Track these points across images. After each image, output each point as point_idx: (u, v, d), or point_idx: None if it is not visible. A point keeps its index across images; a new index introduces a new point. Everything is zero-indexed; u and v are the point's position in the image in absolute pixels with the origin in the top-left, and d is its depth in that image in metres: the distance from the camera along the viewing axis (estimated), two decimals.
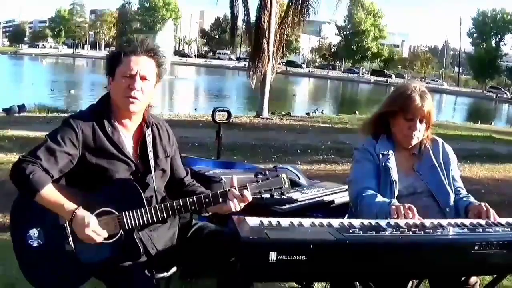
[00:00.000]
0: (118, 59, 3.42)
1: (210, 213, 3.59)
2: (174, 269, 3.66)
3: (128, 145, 3.49)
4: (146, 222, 3.26)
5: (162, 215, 3.26)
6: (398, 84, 4.36)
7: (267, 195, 3.49)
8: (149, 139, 3.55)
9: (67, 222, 3.16)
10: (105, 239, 3.16)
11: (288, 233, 2.89)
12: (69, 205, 3.12)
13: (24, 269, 3.28)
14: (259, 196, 3.45)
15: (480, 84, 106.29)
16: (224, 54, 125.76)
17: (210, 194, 3.40)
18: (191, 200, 3.33)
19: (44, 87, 42.49)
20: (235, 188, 3.38)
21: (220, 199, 3.37)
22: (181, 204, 3.31)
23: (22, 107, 22.35)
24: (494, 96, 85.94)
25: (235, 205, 3.36)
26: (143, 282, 3.26)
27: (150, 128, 3.59)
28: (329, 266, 2.76)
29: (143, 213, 3.23)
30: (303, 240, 2.75)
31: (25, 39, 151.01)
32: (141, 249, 3.27)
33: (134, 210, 3.21)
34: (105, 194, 3.27)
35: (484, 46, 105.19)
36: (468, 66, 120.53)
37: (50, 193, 3.13)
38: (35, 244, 3.22)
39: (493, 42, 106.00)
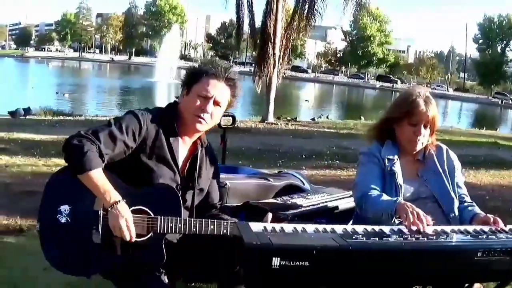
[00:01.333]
0: (198, 77, 3.51)
1: None
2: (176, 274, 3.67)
3: (181, 158, 3.56)
4: (178, 232, 3.29)
5: (194, 230, 3.26)
6: (403, 90, 4.37)
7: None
8: (199, 157, 3.63)
9: (101, 210, 3.18)
10: (137, 237, 3.19)
11: (291, 239, 2.89)
12: (114, 194, 3.15)
13: (43, 242, 3.27)
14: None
15: (486, 90, 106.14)
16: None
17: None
18: (225, 224, 3.29)
19: (47, 90, 42.41)
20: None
21: None
22: (215, 225, 3.29)
23: (27, 110, 22.40)
24: (500, 102, 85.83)
25: None
26: (153, 282, 3.29)
27: (203, 148, 3.67)
28: (332, 272, 2.76)
29: (178, 222, 3.23)
30: (306, 246, 2.74)
31: (31, 42, 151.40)
32: (165, 256, 3.26)
33: (170, 217, 3.22)
34: (146, 193, 3.30)
35: (490, 51, 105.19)
36: (474, 71, 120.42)
37: (99, 176, 3.15)
38: (62, 220, 3.22)
39: (499, 48, 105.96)
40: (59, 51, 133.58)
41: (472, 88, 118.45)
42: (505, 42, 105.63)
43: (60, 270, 3.32)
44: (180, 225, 3.23)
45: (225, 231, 3.27)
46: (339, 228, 3.08)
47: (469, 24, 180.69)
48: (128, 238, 3.14)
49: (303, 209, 4.47)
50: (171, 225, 3.22)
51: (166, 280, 3.46)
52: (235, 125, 6.05)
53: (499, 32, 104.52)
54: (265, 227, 3.00)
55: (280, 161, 13.08)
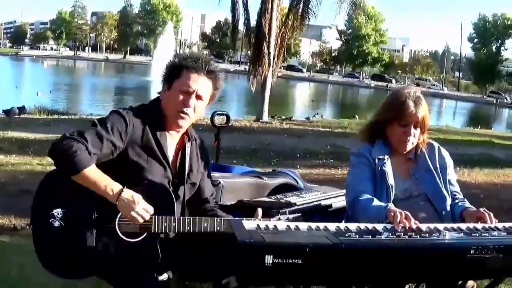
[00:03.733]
0: (179, 72, 3.49)
1: None
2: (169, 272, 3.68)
3: (170, 153, 3.55)
4: (173, 231, 3.28)
5: (188, 228, 3.27)
6: (393, 89, 4.39)
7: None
8: (188, 151, 3.62)
9: (94, 213, 3.19)
10: (127, 237, 3.20)
11: (284, 237, 2.88)
12: (115, 185, 3.16)
13: (37, 246, 3.28)
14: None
15: (481, 89, 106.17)
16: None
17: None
18: (218, 220, 3.32)
19: (31, 89, 42.03)
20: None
21: None
22: (208, 222, 3.31)
23: (22, 109, 22.30)
24: (495, 101, 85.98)
25: None
26: (146, 281, 3.29)
27: (190, 142, 3.65)
28: (325, 270, 2.76)
29: (172, 221, 3.24)
30: (300, 243, 2.74)
31: (26, 40, 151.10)
32: (160, 255, 3.27)
33: (164, 217, 3.23)
34: (139, 193, 3.27)
35: (485, 51, 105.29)
36: (469, 71, 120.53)
37: (95, 172, 3.15)
38: (56, 224, 3.23)
39: (493, 47, 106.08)
40: (54, 50, 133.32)
41: (467, 87, 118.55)
42: (500, 41, 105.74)
43: (55, 274, 3.33)
44: (174, 224, 3.24)
45: (218, 228, 3.28)
46: (332, 226, 3.09)
47: (464, 23, 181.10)
48: (147, 218, 3.17)
49: (297, 207, 4.47)
50: (165, 224, 3.22)
51: (161, 278, 3.47)
52: (229, 124, 6.05)
53: (494, 31, 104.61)
54: (258, 225, 3.00)
55: (275, 160, 13.10)
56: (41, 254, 3.28)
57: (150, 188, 3.34)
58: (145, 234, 3.22)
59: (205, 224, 3.28)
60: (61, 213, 3.22)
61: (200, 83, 3.48)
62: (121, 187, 3.16)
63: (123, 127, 3.31)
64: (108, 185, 3.14)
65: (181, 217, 3.30)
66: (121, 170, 3.32)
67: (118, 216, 3.21)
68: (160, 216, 3.22)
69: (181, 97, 3.45)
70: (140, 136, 3.38)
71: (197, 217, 3.31)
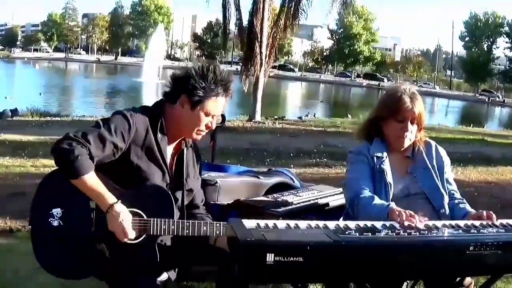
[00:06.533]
0: (210, 94, 3.45)
1: None
2: (171, 272, 3.68)
3: (168, 157, 3.55)
4: (171, 234, 3.27)
5: (187, 232, 3.24)
6: (388, 87, 4.40)
7: None
8: (186, 157, 3.62)
9: (93, 213, 3.20)
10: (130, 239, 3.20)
11: (285, 235, 2.91)
12: (110, 197, 3.15)
13: (35, 246, 3.28)
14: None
15: (473, 87, 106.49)
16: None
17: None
18: (217, 224, 3.28)
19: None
20: None
21: None
22: (208, 227, 3.27)
23: (14, 111, 22.32)
24: (487, 99, 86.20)
25: None
26: (144, 282, 3.29)
27: (188, 147, 3.66)
28: (326, 267, 2.78)
29: (171, 224, 3.23)
30: (300, 241, 2.76)
31: (18, 43, 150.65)
32: (158, 257, 3.28)
33: (163, 219, 3.22)
34: (138, 195, 3.29)
35: (476, 49, 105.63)
36: (461, 69, 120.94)
37: (93, 180, 3.14)
38: (55, 223, 3.23)
39: (485, 45, 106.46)
40: (46, 51, 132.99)
41: (459, 86, 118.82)
42: (491, 39, 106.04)
43: (53, 274, 3.33)
44: (173, 227, 3.22)
45: (218, 232, 3.25)
46: (331, 224, 3.10)
47: (456, 22, 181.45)
48: (126, 240, 3.15)
49: (294, 206, 4.47)
50: (164, 227, 3.21)
51: (160, 279, 3.48)
52: (224, 124, 6.05)
53: (485, 29, 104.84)
54: (258, 224, 3.01)
55: (268, 159, 13.10)
56: (39, 254, 3.27)
57: (150, 189, 3.36)
58: (144, 235, 3.22)
59: (204, 228, 3.26)
60: (60, 213, 3.23)
61: (223, 105, 3.53)
62: (115, 200, 3.15)
63: (126, 129, 3.29)
64: (104, 194, 3.15)
65: (180, 220, 3.28)
66: (122, 170, 3.33)
67: None
68: (158, 219, 3.22)
69: (206, 119, 3.47)
70: (142, 138, 3.38)
71: (196, 221, 3.30)
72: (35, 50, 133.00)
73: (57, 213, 3.23)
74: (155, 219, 3.21)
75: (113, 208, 3.12)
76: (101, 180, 3.19)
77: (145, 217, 3.22)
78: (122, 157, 3.33)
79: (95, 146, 3.16)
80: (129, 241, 3.17)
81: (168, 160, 3.54)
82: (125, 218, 3.12)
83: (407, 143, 3.90)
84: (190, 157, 3.71)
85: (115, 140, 3.24)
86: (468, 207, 3.84)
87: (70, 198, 3.20)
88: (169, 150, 3.57)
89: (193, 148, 3.77)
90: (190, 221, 3.29)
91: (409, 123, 3.83)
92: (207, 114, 3.45)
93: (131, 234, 3.15)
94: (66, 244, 3.23)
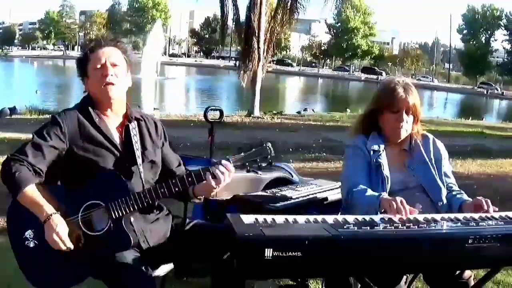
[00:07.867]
0: (86, 59, 3.58)
1: (201, 199, 3.74)
2: (168, 267, 3.68)
3: (114, 136, 3.56)
4: (133, 209, 3.30)
5: (147, 200, 3.31)
6: (383, 80, 4.41)
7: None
8: (134, 132, 3.62)
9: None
10: (96, 230, 3.24)
11: (283, 230, 2.90)
12: (47, 208, 3.18)
13: (24, 270, 3.32)
14: (244, 169, 3.64)
15: (471, 80, 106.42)
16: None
17: (192, 173, 3.44)
18: (173, 181, 3.37)
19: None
20: (217, 163, 3.44)
21: (204, 176, 3.41)
22: (165, 186, 3.36)
23: (13, 110, 22.29)
24: (485, 92, 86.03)
25: (219, 180, 3.41)
26: (139, 276, 3.28)
27: (135, 122, 3.66)
28: (324, 262, 2.77)
29: (128, 200, 3.27)
30: (299, 236, 2.75)
31: (15, 41, 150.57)
32: (131, 237, 3.29)
33: (119, 199, 3.26)
34: (92, 188, 3.32)
35: (474, 42, 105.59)
36: (459, 62, 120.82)
37: (31, 193, 3.19)
38: (31, 245, 3.26)
39: (483, 38, 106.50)
40: (44, 49, 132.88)
41: (458, 78, 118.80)
42: (489, 32, 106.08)
43: None
44: (132, 202, 3.28)
45: (176, 189, 3.36)
46: (330, 218, 3.10)
47: (453, 15, 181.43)
48: (64, 249, 3.17)
49: (292, 201, 4.47)
50: (124, 206, 3.27)
51: (156, 274, 3.49)
52: (222, 120, 6.04)
53: (483, 22, 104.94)
54: (256, 219, 3.00)
55: None
56: (29, 275, 3.33)
57: (102, 177, 3.38)
58: (109, 222, 3.25)
59: (162, 190, 3.34)
60: (32, 234, 3.27)
61: (106, 52, 3.56)
62: (53, 211, 3.17)
63: (58, 129, 3.38)
64: (41, 206, 3.17)
65: (136, 192, 3.33)
66: (77, 168, 3.41)
67: (80, 214, 3.26)
68: (115, 201, 3.26)
69: (98, 73, 3.51)
70: (77, 130, 3.43)
71: (151, 186, 3.39)
72: (33, 48, 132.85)
73: (30, 235, 3.27)
74: (112, 202, 3.26)
75: (48, 220, 3.15)
76: (50, 189, 3.28)
77: (103, 204, 3.27)
78: (70, 157, 3.41)
79: (32, 156, 3.27)
80: (96, 233, 3.23)
81: (117, 140, 3.56)
82: (59, 229, 3.14)
83: (403, 134, 3.90)
84: (143, 130, 3.71)
85: (52, 143, 3.34)
86: (465, 196, 3.85)
87: (35, 217, 3.21)
88: (114, 130, 3.58)
89: (149, 122, 3.79)
90: (146, 188, 3.36)
91: (404, 113, 3.83)
92: (96, 69, 3.51)
93: (69, 243, 3.18)
94: (47, 260, 3.27)
